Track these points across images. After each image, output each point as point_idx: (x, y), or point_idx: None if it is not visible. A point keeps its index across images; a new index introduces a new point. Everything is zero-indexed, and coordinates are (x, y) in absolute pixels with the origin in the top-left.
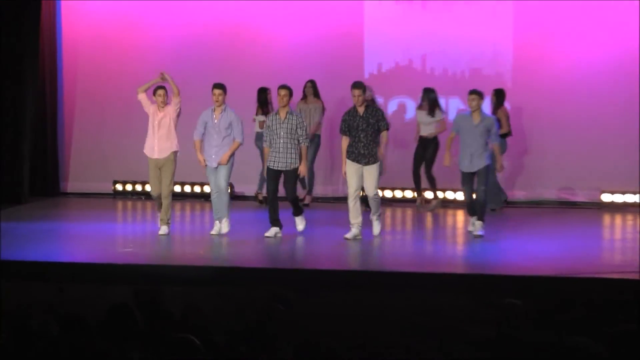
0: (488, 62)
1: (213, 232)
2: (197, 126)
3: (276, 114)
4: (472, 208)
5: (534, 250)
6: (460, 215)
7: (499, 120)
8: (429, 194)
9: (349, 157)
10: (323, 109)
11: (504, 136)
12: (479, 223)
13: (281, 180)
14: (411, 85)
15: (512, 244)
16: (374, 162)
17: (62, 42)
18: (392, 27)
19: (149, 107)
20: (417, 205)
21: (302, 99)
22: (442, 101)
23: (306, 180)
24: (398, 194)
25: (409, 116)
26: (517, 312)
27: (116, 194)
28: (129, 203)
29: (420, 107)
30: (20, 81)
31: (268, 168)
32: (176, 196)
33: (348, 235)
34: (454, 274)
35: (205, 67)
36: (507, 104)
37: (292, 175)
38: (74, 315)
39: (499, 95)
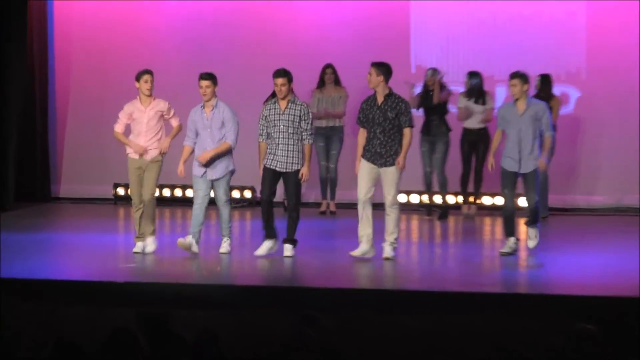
0: (553, 47)
1: (187, 245)
2: (187, 131)
3: (275, 101)
4: (508, 222)
5: (599, 265)
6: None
7: (551, 109)
8: (486, 199)
9: (363, 156)
10: (346, 97)
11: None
12: (533, 232)
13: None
14: (463, 69)
15: (573, 257)
16: (392, 163)
17: (54, 38)
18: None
19: (130, 113)
20: (464, 214)
21: (318, 87)
22: (500, 90)
23: (328, 184)
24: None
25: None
26: (591, 339)
27: (117, 199)
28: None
29: (464, 94)
30: (4, 79)
31: (264, 167)
32: (185, 202)
33: (356, 252)
34: (513, 294)
35: (218, 58)
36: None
37: (293, 180)
38: (69, 341)
39: (545, 82)
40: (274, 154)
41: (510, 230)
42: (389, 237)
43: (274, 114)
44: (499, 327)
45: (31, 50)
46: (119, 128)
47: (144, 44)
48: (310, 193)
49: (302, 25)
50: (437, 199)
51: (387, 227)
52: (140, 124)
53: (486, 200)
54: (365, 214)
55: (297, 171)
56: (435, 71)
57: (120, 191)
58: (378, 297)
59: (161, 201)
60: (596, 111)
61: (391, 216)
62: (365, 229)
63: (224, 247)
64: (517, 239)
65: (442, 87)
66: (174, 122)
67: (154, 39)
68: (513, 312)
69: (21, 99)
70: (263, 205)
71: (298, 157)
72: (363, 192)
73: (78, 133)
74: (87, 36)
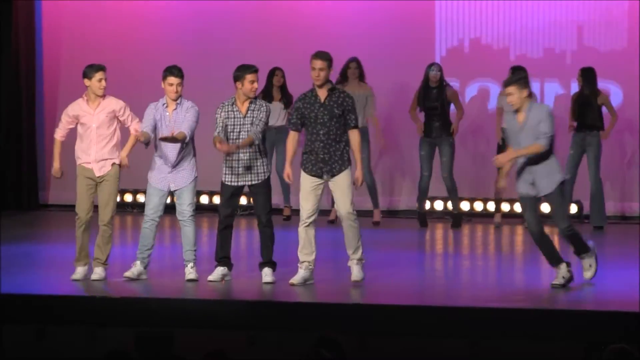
0: (598, 34)
1: (127, 273)
2: (144, 120)
3: (233, 103)
4: (544, 250)
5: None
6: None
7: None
8: (517, 207)
9: (304, 168)
10: (374, 97)
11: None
12: (585, 262)
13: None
14: (496, 66)
15: (614, 271)
16: (340, 170)
17: (43, 39)
18: None
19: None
20: (495, 223)
21: (339, 84)
22: (535, 86)
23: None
24: (478, 205)
25: (493, 105)
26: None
27: None
28: (129, 218)
29: (504, 92)
30: None
31: (223, 184)
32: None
33: (295, 280)
34: (546, 310)
35: (222, 57)
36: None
37: (262, 190)
38: None
39: (588, 77)
40: (235, 166)
41: (551, 258)
42: (355, 255)
43: (234, 117)
44: (538, 348)
45: (18, 51)
46: (59, 135)
47: (135, 44)
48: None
49: (321, 22)
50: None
51: (348, 243)
52: (89, 130)
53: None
54: (307, 237)
55: (265, 180)
56: (440, 67)
57: None
58: (404, 315)
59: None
60: None
61: (351, 230)
62: (308, 256)
63: (192, 273)
64: (568, 264)
65: (446, 85)
66: (133, 127)
67: (148, 39)
68: (548, 329)
69: (6, 101)
70: (219, 231)
71: (266, 165)
72: (306, 211)
73: (67, 137)
74: (76, 37)
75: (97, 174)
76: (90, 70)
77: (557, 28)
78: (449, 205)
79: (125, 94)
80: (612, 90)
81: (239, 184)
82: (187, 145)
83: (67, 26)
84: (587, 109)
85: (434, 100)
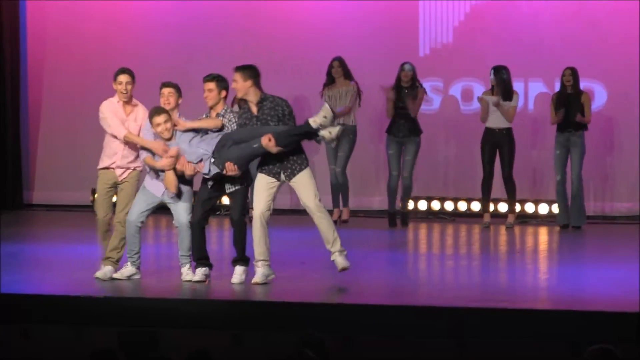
0: (581, 32)
1: (116, 275)
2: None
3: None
4: None
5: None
6: (543, 234)
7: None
8: (502, 206)
9: (261, 169)
10: (358, 92)
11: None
12: None
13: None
14: (479, 65)
15: (609, 270)
16: (300, 170)
17: (27, 38)
18: None
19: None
20: (484, 223)
21: (326, 85)
22: (519, 86)
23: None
24: (462, 205)
25: (476, 105)
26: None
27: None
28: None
29: (491, 91)
30: None
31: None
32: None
33: (257, 279)
34: (535, 310)
35: (210, 59)
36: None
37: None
38: None
39: (575, 75)
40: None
41: None
42: (334, 247)
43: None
44: (522, 348)
45: (2, 52)
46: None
47: (122, 43)
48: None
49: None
50: (449, 205)
51: (325, 237)
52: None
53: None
54: (261, 233)
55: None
56: (413, 66)
57: None
58: (390, 315)
59: None
60: (631, 110)
61: (324, 222)
62: (261, 253)
63: (191, 274)
64: None
65: (418, 85)
66: None
67: (135, 38)
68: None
69: None
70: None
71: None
72: (259, 207)
73: (53, 135)
74: (61, 36)
75: (120, 177)
76: (115, 73)
77: (541, 26)
78: (434, 205)
79: (111, 95)
80: (595, 89)
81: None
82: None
83: (52, 26)
84: (571, 108)
85: (403, 99)
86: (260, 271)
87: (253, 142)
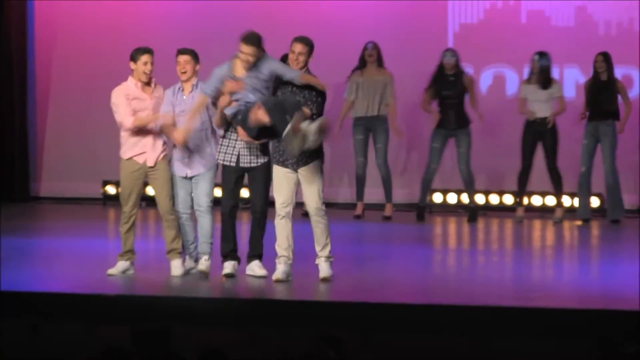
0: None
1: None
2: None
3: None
4: None
5: None
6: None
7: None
8: (549, 200)
9: (276, 162)
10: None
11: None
12: None
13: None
14: (511, 52)
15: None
16: (309, 162)
17: (35, 28)
18: None
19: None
20: (517, 217)
21: (357, 70)
22: (555, 72)
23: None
24: (494, 198)
25: (511, 91)
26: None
27: (107, 198)
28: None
29: (529, 80)
30: None
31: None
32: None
33: (279, 276)
34: (552, 309)
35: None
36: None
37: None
38: None
39: (608, 62)
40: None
41: None
42: (323, 252)
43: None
44: (546, 347)
45: (9, 38)
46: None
47: (132, 30)
48: (344, 192)
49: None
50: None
51: (317, 239)
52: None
53: (536, 201)
54: (284, 229)
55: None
56: (455, 53)
57: (111, 190)
58: (410, 313)
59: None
60: None
61: (320, 226)
62: (286, 249)
63: (205, 264)
64: None
65: (462, 72)
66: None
67: (144, 27)
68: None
69: None
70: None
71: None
72: (280, 201)
73: (61, 125)
74: (71, 24)
75: (150, 163)
76: (136, 53)
77: (579, 12)
78: (463, 198)
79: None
80: (631, 77)
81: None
82: (204, 130)
83: (60, 26)
84: (602, 96)
85: (450, 89)
86: (282, 268)
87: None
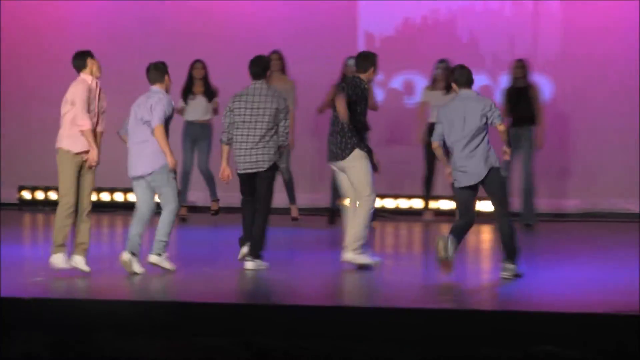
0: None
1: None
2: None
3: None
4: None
5: (576, 278)
6: (486, 233)
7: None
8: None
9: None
10: (294, 90)
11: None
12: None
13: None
14: (420, 58)
15: (561, 269)
16: (343, 156)
17: (1, 35)
18: None
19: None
20: (426, 219)
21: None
22: None
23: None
24: (403, 203)
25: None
26: None
27: (23, 204)
28: (40, 216)
29: (432, 86)
30: None
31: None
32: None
33: (374, 261)
34: (471, 310)
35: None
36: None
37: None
38: None
39: (524, 68)
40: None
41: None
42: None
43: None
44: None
45: None
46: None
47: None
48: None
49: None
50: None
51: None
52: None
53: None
54: (349, 220)
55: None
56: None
57: (26, 195)
58: (336, 316)
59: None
60: (584, 105)
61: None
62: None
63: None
64: None
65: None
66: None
67: (110, 38)
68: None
69: None
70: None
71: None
72: (344, 196)
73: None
74: (35, 36)
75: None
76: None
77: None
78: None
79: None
80: (542, 83)
81: None
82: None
83: (26, 25)
84: (520, 102)
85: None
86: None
87: None
